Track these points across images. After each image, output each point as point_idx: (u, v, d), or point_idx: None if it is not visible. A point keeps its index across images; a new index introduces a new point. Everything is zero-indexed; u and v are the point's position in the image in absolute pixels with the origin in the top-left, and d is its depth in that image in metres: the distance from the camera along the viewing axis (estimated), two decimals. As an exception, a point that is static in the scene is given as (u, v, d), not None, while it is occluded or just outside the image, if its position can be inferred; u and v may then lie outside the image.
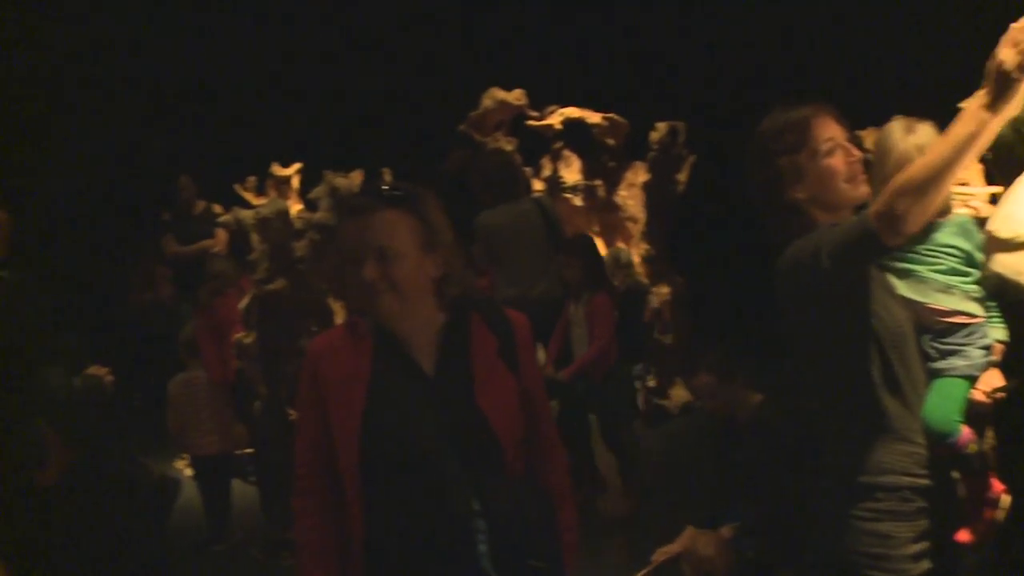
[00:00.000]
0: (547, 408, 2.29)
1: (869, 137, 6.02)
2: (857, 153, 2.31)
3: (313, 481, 2.14)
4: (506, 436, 2.08)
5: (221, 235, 7.67)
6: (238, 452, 5.64)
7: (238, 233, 4.64)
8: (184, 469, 6.46)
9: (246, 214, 4.66)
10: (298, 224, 4.50)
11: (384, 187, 2.14)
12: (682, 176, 6.96)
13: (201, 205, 7.92)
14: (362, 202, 2.11)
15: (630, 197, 7.46)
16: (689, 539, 3.44)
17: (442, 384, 2.09)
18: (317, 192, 4.62)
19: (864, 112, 3.34)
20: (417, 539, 2.02)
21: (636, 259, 7.37)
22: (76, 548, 2.42)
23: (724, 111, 7.89)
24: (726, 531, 3.45)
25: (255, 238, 4.49)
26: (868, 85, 6.69)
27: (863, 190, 2.29)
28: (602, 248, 7.39)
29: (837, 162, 2.27)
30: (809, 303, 2.24)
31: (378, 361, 2.11)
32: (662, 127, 6.86)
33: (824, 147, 2.27)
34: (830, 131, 2.30)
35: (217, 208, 7.76)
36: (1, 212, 2.47)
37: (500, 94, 7.18)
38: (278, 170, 7.82)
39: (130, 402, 6.80)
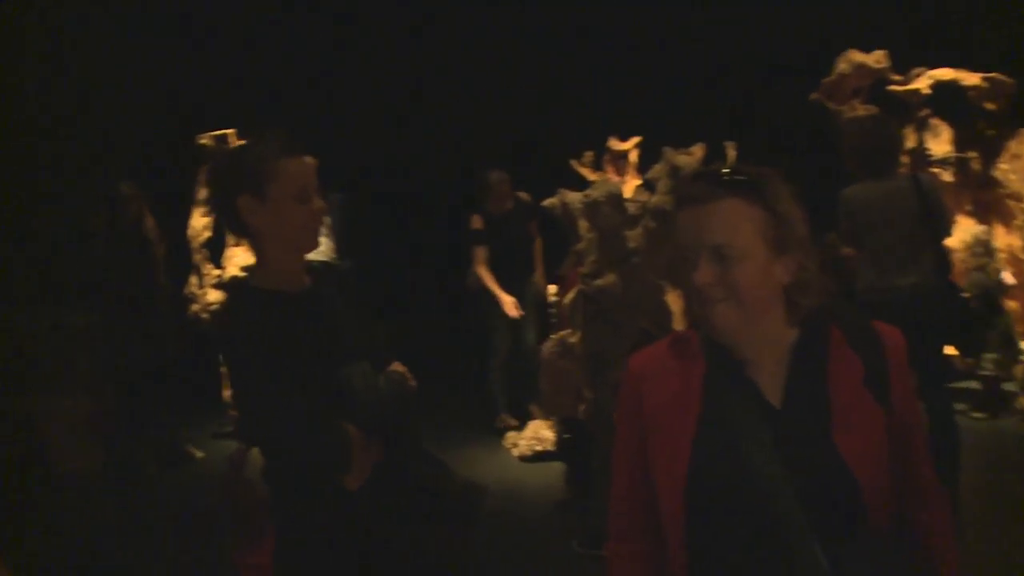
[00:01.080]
0: (925, 447, 1.81)
1: None
2: None
3: (630, 523, 1.83)
4: (869, 484, 1.64)
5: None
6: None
7: (565, 218, 4.31)
8: (511, 448, 6.50)
9: (573, 197, 4.30)
10: (632, 209, 4.06)
11: (725, 170, 1.75)
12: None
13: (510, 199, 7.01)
14: (698, 189, 1.73)
15: (1012, 171, 6.55)
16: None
17: (791, 417, 1.69)
18: (655, 172, 4.19)
19: None
20: (755, 609, 1.65)
21: (1019, 243, 6.45)
22: (379, 552, 2.31)
23: None
24: None
25: (583, 225, 4.13)
26: None
27: None
28: (974, 228, 6.52)
29: None
30: None
31: (711, 385, 1.75)
32: (1062, 85, 5.87)
33: None
34: None
35: (523, 196, 6.99)
36: (317, 201, 2.37)
37: (858, 57, 6.50)
38: (615, 144, 7.55)
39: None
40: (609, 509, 1.89)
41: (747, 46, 8.27)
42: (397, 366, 2.43)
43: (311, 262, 2.45)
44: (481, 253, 6.80)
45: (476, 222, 6.90)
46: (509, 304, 6.69)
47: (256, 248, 2.36)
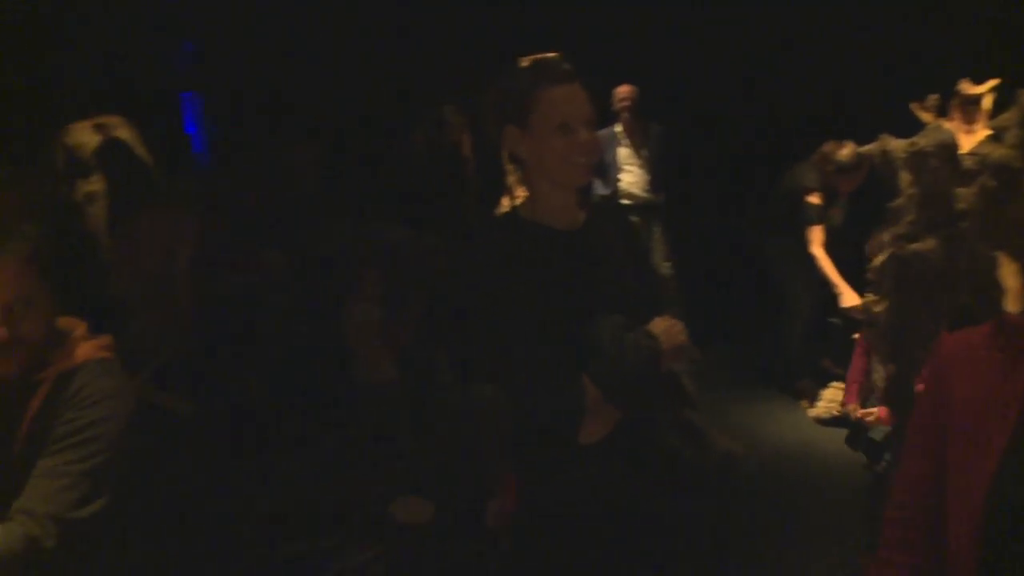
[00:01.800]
0: None
1: None
2: None
3: (906, 532, 1.54)
4: None
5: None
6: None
7: (884, 168, 3.73)
8: (807, 408, 6.20)
9: (897, 145, 3.73)
10: (970, 163, 3.44)
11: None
12: None
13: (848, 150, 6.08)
14: None
15: None
16: None
17: None
18: (1004, 119, 3.53)
19: None
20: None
21: None
22: (610, 512, 2.19)
23: None
24: None
25: (904, 178, 3.57)
26: None
27: None
28: None
29: None
30: None
31: None
32: None
33: None
34: None
35: (841, 151, 6.10)
36: (585, 132, 2.27)
37: None
38: (967, 87, 6.68)
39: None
40: (885, 511, 1.62)
41: None
42: (661, 321, 2.23)
43: (593, 198, 2.33)
44: (818, 234, 6.00)
45: (815, 198, 6.08)
46: (852, 299, 5.74)
47: (525, 179, 2.28)
